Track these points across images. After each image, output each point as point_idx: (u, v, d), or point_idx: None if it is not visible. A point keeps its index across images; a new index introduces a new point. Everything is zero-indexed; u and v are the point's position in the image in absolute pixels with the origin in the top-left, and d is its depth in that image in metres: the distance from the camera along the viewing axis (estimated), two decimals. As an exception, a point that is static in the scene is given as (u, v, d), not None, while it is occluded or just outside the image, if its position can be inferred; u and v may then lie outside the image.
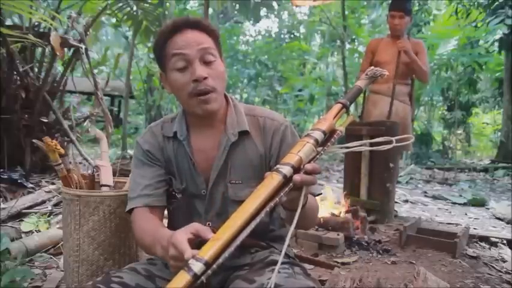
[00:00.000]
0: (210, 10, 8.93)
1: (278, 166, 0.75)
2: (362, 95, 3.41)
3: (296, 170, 0.74)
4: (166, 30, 0.99)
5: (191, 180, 1.04)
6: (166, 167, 1.07)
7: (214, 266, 0.64)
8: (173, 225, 1.10)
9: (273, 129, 1.05)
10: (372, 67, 0.93)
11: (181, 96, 0.99)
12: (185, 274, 0.63)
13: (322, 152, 0.79)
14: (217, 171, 1.02)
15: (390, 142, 0.84)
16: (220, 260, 0.64)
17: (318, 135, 0.80)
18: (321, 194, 1.05)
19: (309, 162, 0.77)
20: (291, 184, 0.73)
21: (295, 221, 0.73)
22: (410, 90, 3.29)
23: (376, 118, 3.15)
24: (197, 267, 0.63)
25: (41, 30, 3.45)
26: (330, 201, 2.78)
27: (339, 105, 0.88)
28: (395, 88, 3.07)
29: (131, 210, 1.05)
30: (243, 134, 1.03)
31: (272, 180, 0.72)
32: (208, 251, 0.65)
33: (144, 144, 1.07)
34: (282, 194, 0.72)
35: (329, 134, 0.82)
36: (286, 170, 0.73)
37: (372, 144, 0.85)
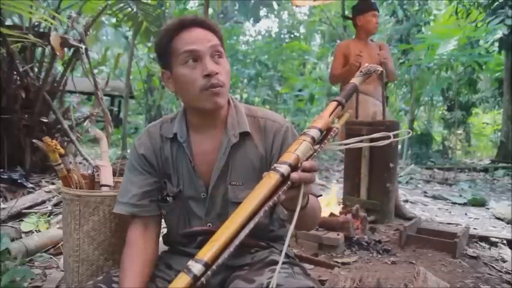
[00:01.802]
0: (210, 10, 8.93)
1: (276, 165, 0.75)
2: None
3: (294, 168, 0.74)
4: (172, 28, 0.98)
5: (189, 183, 1.03)
6: (162, 170, 1.05)
7: (214, 267, 0.64)
8: (170, 229, 1.10)
9: (274, 131, 1.03)
10: (367, 64, 0.93)
11: (190, 91, 0.97)
12: (185, 276, 0.64)
13: (319, 149, 0.80)
14: (218, 173, 1.01)
15: (388, 138, 0.84)
16: (219, 261, 0.65)
17: (315, 133, 0.80)
18: (321, 195, 1.04)
19: (306, 160, 0.77)
20: (289, 183, 0.72)
21: (294, 220, 0.73)
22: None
23: (362, 119, 3.15)
24: (196, 268, 0.64)
25: (41, 30, 3.45)
26: (330, 201, 2.78)
27: (334, 103, 0.88)
28: (386, 88, 3.13)
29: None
30: (244, 135, 1.02)
31: (270, 180, 0.72)
32: (207, 253, 0.65)
33: (140, 148, 1.05)
34: (280, 192, 0.72)
35: (325, 132, 0.83)
36: (284, 168, 0.73)
37: (369, 140, 0.85)
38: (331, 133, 0.82)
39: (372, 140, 0.89)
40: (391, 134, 0.84)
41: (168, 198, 1.04)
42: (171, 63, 0.98)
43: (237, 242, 0.66)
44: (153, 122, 1.12)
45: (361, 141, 0.83)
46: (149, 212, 1.03)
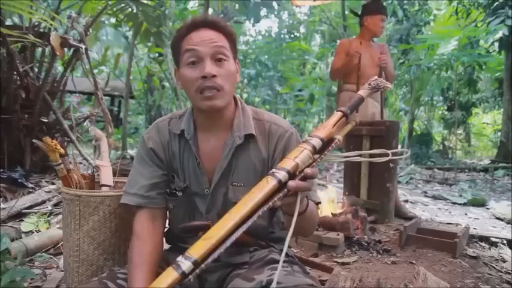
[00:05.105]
0: (210, 10, 8.93)
1: (274, 170, 0.74)
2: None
3: (291, 175, 0.74)
4: (184, 27, 1.00)
5: (195, 179, 1.04)
6: (169, 165, 1.07)
7: (203, 265, 0.64)
8: (174, 223, 1.11)
9: (278, 135, 1.04)
10: (376, 77, 0.93)
11: (189, 91, 1.00)
12: (173, 272, 0.63)
13: (319, 159, 0.79)
14: (220, 172, 1.02)
15: (386, 155, 0.85)
16: (209, 260, 0.64)
17: (316, 142, 0.80)
18: (320, 202, 1.05)
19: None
20: (285, 190, 0.72)
21: (292, 226, 0.73)
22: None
23: (361, 119, 3.14)
24: (186, 265, 0.63)
25: (41, 30, 3.44)
26: (330, 201, 2.78)
27: (339, 114, 0.88)
28: (384, 91, 3.13)
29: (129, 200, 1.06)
30: (249, 138, 1.03)
31: (267, 184, 0.72)
32: (198, 250, 0.64)
33: (149, 141, 1.08)
34: (275, 198, 0.71)
35: (327, 142, 0.83)
36: (282, 175, 0.73)
37: (369, 155, 0.86)
38: (333, 144, 0.82)
39: (371, 155, 0.90)
40: (389, 151, 0.86)
41: (177, 192, 1.05)
42: (179, 62, 1.01)
43: (228, 243, 0.66)
44: (161, 117, 1.14)
45: (361, 155, 0.84)
46: (156, 204, 1.05)
